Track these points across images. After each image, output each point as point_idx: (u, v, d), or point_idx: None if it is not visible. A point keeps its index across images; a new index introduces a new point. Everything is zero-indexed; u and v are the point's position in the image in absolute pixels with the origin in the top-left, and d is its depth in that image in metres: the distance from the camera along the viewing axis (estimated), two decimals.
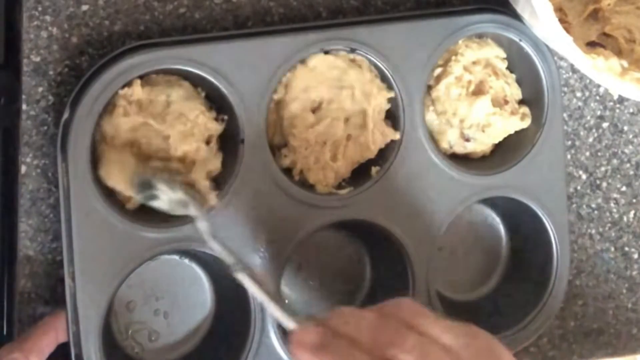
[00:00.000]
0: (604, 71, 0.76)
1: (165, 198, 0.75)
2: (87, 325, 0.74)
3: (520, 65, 0.87)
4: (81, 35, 0.78)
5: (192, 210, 0.74)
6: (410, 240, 0.83)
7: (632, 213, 0.98)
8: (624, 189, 0.97)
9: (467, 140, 0.86)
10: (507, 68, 0.87)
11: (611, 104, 0.95)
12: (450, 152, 0.87)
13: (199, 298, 0.83)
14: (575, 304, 0.96)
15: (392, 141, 0.83)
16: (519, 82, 0.88)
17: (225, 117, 0.79)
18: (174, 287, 0.82)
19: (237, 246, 0.77)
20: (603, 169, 0.96)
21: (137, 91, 0.75)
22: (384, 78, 0.82)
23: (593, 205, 0.97)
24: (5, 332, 0.78)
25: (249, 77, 0.77)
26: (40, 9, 0.77)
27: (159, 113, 0.76)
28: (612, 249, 0.98)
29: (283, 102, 0.80)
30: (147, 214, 0.77)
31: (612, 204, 0.97)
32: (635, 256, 0.99)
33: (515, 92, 0.87)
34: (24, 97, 0.77)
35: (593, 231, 0.97)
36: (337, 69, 0.81)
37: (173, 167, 0.77)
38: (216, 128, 0.78)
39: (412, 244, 0.83)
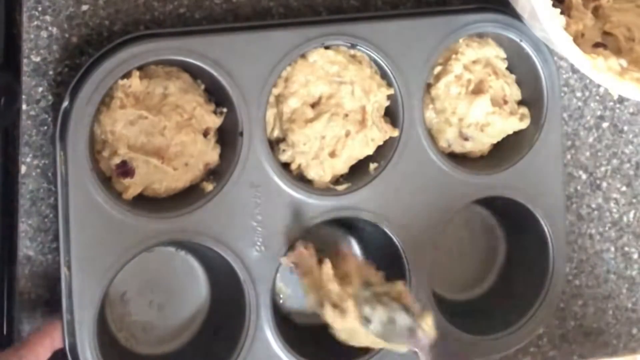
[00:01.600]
0: (603, 71, 0.75)
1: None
2: (81, 315, 0.74)
3: (520, 66, 0.87)
4: (81, 35, 0.78)
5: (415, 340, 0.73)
6: (407, 239, 0.83)
7: (632, 213, 0.98)
8: (624, 189, 0.97)
9: (466, 139, 0.86)
10: (507, 68, 0.87)
11: (611, 104, 0.95)
12: (448, 150, 0.87)
13: (194, 291, 0.83)
14: (575, 304, 0.96)
15: (391, 138, 0.83)
16: (518, 82, 0.87)
17: (224, 110, 0.79)
18: (169, 279, 0.82)
19: (234, 240, 0.78)
20: (603, 169, 0.96)
21: (135, 83, 0.75)
22: (384, 75, 0.82)
23: (593, 205, 0.96)
24: (5, 332, 0.79)
25: (249, 70, 0.77)
26: (40, 9, 0.77)
27: (155, 105, 0.76)
28: (612, 249, 0.98)
29: (282, 96, 0.80)
30: (144, 205, 0.77)
31: (612, 204, 0.97)
32: (635, 256, 0.99)
33: (514, 93, 0.87)
34: (24, 97, 0.77)
35: (593, 231, 0.97)
36: (337, 64, 0.81)
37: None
38: (214, 120, 0.78)
39: (408, 242, 0.83)
